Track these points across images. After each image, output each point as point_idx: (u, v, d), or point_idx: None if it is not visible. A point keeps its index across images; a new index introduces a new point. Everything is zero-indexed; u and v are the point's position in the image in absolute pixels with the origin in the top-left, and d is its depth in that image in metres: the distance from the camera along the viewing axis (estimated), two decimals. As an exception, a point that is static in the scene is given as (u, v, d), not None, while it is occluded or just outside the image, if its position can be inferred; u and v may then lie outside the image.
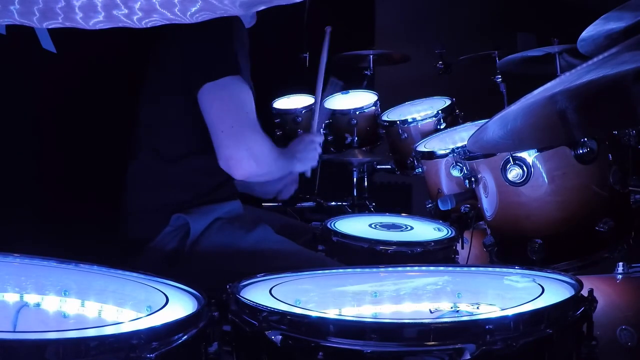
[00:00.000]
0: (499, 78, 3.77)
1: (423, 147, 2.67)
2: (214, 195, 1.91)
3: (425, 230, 2.18)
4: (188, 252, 1.80)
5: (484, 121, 1.37)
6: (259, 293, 1.18)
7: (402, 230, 2.17)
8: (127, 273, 1.22)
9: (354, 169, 3.77)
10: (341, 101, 3.77)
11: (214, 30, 1.77)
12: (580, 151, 1.63)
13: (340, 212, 3.28)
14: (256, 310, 1.04)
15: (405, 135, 3.10)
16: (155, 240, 1.82)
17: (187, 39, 1.82)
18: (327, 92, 2.66)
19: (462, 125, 2.76)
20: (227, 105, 1.78)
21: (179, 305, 1.07)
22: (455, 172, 1.92)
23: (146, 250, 1.83)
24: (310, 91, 3.81)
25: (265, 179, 1.96)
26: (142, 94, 1.99)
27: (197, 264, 1.79)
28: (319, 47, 2.45)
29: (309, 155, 2.17)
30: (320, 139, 2.24)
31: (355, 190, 3.78)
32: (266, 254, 1.84)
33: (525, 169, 1.66)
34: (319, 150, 2.22)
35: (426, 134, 2.93)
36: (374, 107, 3.60)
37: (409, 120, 3.10)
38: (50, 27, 0.90)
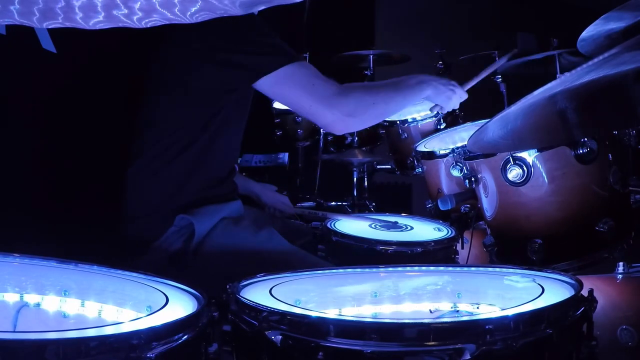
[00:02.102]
0: (499, 78, 3.77)
1: (423, 147, 2.67)
2: (215, 190, 1.91)
3: (425, 230, 2.18)
4: (194, 252, 1.80)
5: (484, 121, 1.37)
6: (259, 293, 1.18)
7: (402, 230, 2.17)
8: (127, 273, 1.22)
9: (354, 169, 3.78)
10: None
11: (241, 22, 1.77)
12: (580, 151, 1.63)
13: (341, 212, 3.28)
14: (256, 310, 1.04)
15: (405, 135, 3.10)
16: (160, 240, 1.82)
17: (214, 35, 1.81)
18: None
19: (462, 125, 2.77)
20: (294, 91, 1.87)
21: (179, 305, 1.07)
22: (455, 172, 1.92)
23: (151, 250, 1.83)
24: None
25: (378, 119, 2.07)
26: (144, 93, 1.99)
27: (204, 264, 1.79)
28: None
29: (447, 93, 2.11)
30: (463, 94, 2.20)
31: (355, 190, 3.78)
32: (271, 256, 1.84)
33: (525, 169, 1.66)
34: (453, 97, 2.15)
35: (426, 134, 2.93)
36: (374, 107, 3.59)
37: (409, 120, 3.10)
38: (50, 27, 0.90)
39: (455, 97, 2.16)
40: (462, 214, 2.28)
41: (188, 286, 1.14)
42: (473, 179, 1.84)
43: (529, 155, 1.66)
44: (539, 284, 1.20)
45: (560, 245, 1.68)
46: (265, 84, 1.84)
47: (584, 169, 1.64)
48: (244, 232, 1.86)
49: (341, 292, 1.30)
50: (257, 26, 1.85)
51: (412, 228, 2.22)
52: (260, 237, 1.86)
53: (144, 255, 1.83)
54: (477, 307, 1.21)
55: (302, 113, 1.99)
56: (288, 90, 1.87)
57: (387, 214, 2.43)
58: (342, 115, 1.88)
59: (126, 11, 0.86)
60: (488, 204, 1.82)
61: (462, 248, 2.17)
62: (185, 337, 0.95)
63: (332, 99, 1.88)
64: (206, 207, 1.85)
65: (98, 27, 0.90)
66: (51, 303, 1.14)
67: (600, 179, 1.67)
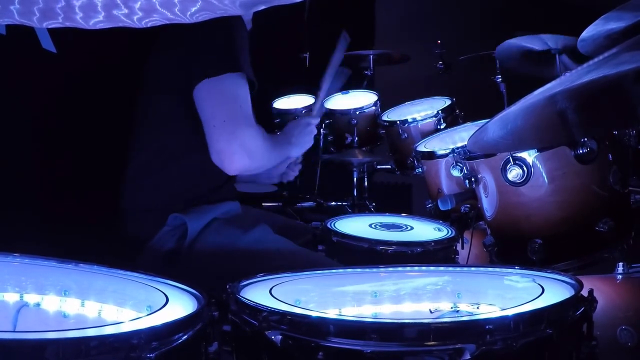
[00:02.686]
0: (499, 78, 3.77)
1: (423, 147, 2.67)
2: (212, 195, 1.91)
3: (425, 230, 2.18)
4: (186, 252, 1.80)
5: (484, 121, 1.37)
6: (259, 293, 1.18)
7: (402, 230, 2.17)
8: (127, 273, 1.22)
9: (354, 169, 3.78)
10: (341, 101, 3.78)
11: (214, 27, 1.77)
12: (580, 151, 1.63)
13: (341, 212, 3.28)
14: (256, 310, 1.04)
15: (405, 135, 3.10)
16: (153, 239, 1.82)
17: (187, 37, 1.82)
18: (335, 81, 2.62)
19: (462, 125, 2.76)
20: (220, 100, 1.78)
21: (179, 305, 1.07)
22: (455, 172, 1.92)
23: (144, 249, 1.83)
24: (310, 91, 3.82)
25: (259, 171, 1.95)
26: (141, 93, 1.99)
27: (195, 264, 1.79)
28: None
29: (305, 139, 2.16)
30: (316, 121, 2.22)
31: (355, 190, 3.78)
32: (265, 253, 1.84)
33: (525, 169, 1.66)
34: (315, 131, 2.20)
35: (426, 134, 2.93)
36: (374, 107, 3.60)
37: (409, 120, 3.10)
38: (50, 27, 0.90)
39: (314, 130, 2.19)
40: (462, 214, 2.28)
41: (188, 286, 1.14)
42: (473, 179, 1.84)
43: (529, 155, 1.66)
44: (539, 284, 1.20)
45: (560, 245, 1.68)
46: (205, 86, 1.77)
47: (584, 169, 1.64)
48: (236, 231, 1.85)
49: (341, 292, 1.30)
50: (224, 31, 1.80)
51: (412, 228, 2.22)
52: (253, 236, 1.86)
53: (138, 254, 1.83)
54: (477, 307, 1.21)
55: (208, 126, 1.77)
56: (214, 96, 1.76)
57: (387, 214, 2.43)
58: (241, 148, 1.75)
59: (126, 11, 0.86)
60: (488, 204, 1.82)
61: (462, 248, 2.17)
62: (185, 337, 0.95)
63: (246, 125, 1.77)
64: (200, 207, 1.85)
65: (98, 27, 0.90)
66: (51, 303, 1.14)
67: (600, 179, 1.67)
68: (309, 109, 3.72)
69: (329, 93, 2.59)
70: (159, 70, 1.94)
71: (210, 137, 1.78)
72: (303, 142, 2.16)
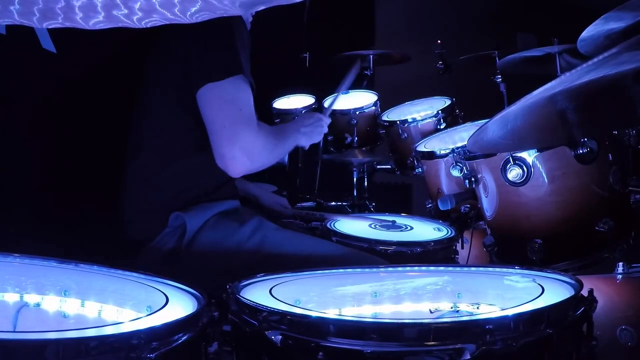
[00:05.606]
0: (499, 78, 3.77)
1: (423, 147, 2.67)
2: (213, 194, 1.91)
3: (425, 230, 2.18)
4: (185, 250, 1.80)
5: (484, 121, 1.37)
6: (259, 293, 1.18)
7: (402, 230, 2.17)
8: (127, 273, 1.22)
9: (354, 169, 3.77)
10: (341, 101, 3.77)
11: (215, 28, 1.77)
12: (580, 151, 1.63)
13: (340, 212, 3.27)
14: (256, 310, 1.04)
15: (405, 135, 3.10)
16: (155, 240, 1.82)
17: (189, 38, 1.82)
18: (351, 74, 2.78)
19: (462, 125, 2.77)
20: (221, 105, 1.79)
21: (179, 305, 1.07)
22: (455, 172, 1.92)
23: (145, 250, 1.83)
24: (310, 91, 3.82)
25: (264, 168, 1.97)
26: (142, 94, 1.99)
27: (195, 261, 1.79)
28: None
29: (315, 130, 2.20)
30: (328, 121, 2.29)
31: (355, 190, 3.78)
32: (263, 242, 1.84)
33: (525, 169, 1.66)
34: (325, 130, 2.26)
35: (426, 134, 2.93)
36: (374, 107, 3.60)
37: (409, 120, 3.10)
38: (50, 27, 0.90)
39: (324, 128, 2.26)
40: (462, 214, 2.28)
41: (188, 286, 1.14)
42: (473, 179, 1.84)
43: (529, 155, 1.67)
44: (539, 284, 1.20)
45: (560, 245, 1.68)
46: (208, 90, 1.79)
47: (584, 169, 1.64)
48: (233, 224, 1.86)
49: (341, 292, 1.30)
50: (225, 32, 1.80)
51: (412, 228, 2.22)
52: (249, 226, 1.86)
53: (139, 255, 1.83)
54: (477, 307, 1.21)
55: (211, 131, 1.80)
56: (217, 101, 1.78)
57: (387, 214, 2.43)
58: (241, 152, 1.77)
59: (126, 11, 0.86)
60: (488, 204, 1.82)
61: (462, 248, 2.17)
62: (185, 337, 0.95)
63: (246, 129, 1.78)
64: (200, 205, 1.86)
65: (98, 27, 0.90)
66: (51, 303, 1.14)
67: (600, 179, 1.67)
68: (309, 109, 3.72)
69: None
70: (159, 70, 1.94)
71: (213, 142, 1.81)
72: (313, 132, 2.19)
